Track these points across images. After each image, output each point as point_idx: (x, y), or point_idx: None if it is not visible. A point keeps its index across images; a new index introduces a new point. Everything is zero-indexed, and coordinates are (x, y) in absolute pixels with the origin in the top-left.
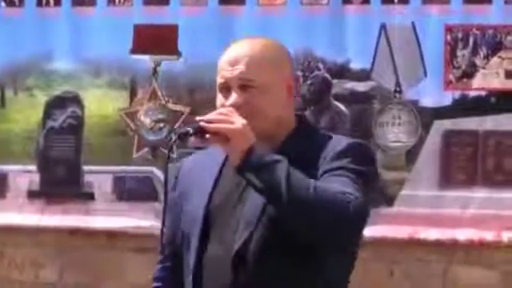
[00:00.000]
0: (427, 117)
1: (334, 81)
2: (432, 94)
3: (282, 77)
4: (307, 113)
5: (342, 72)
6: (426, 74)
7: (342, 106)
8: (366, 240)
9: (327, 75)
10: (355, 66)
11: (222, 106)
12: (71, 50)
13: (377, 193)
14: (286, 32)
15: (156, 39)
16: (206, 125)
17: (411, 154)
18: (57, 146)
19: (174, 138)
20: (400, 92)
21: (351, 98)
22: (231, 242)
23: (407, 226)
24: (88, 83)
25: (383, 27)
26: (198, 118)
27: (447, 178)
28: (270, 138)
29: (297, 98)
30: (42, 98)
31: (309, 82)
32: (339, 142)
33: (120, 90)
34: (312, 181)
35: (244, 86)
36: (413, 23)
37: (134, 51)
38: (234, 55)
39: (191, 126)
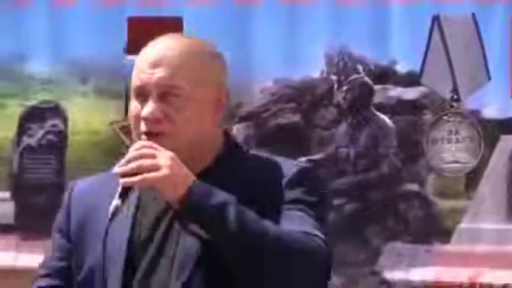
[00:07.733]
0: (492, 131)
1: (377, 87)
2: (497, 102)
3: (214, 88)
4: (343, 126)
5: (385, 76)
6: (489, 78)
7: (385, 118)
8: (416, 285)
9: (368, 80)
10: (402, 68)
11: (135, 115)
12: (50, 48)
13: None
14: (317, 26)
15: (155, 35)
16: (128, 180)
17: (472, 178)
18: (35, 168)
19: (108, 218)
20: (458, 100)
21: (397, 107)
22: (165, 285)
23: (467, 267)
24: (72, 90)
25: (436, 20)
26: (114, 171)
27: None
28: (191, 161)
29: (219, 117)
30: (15, 109)
31: (345, 88)
32: (285, 167)
33: (112, 98)
34: (269, 224)
35: (165, 94)
36: (473, 14)
37: (128, 50)
38: (157, 54)
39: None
